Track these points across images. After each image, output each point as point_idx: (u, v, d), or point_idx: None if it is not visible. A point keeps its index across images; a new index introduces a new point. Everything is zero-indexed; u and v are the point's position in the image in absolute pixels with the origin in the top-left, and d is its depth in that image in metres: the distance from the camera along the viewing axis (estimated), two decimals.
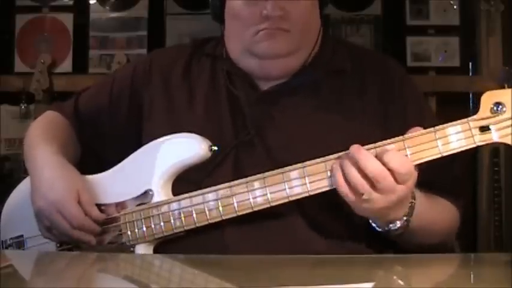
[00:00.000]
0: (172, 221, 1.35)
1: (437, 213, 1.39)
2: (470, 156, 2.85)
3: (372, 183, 1.19)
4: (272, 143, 1.39)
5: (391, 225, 1.28)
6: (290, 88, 1.44)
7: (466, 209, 1.47)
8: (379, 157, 1.19)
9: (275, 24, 1.38)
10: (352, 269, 1.22)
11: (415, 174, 1.22)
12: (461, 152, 1.24)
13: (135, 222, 1.38)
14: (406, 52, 3.07)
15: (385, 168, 1.18)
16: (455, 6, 3.08)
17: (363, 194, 1.19)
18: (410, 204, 1.27)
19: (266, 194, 1.28)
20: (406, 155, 1.21)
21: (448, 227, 1.44)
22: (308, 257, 1.26)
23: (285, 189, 1.27)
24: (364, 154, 1.19)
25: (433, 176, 1.38)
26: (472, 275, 1.21)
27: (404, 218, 1.27)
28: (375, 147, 1.21)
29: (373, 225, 1.30)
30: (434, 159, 1.25)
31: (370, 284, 1.08)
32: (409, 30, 3.09)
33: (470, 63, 3.07)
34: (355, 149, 1.20)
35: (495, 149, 2.89)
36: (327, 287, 1.05)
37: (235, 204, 1.30)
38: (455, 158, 1.38)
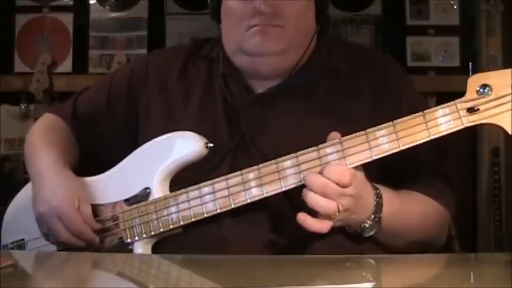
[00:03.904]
0: (169, 216, 1.35)
1: (415, 211, 1.39)
2: (465, 156, 2.86)
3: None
4: (267, 145, 1.39)
5: (362, 225, 1.31)
6: (285, 90, 1.44)
7: (464, 208, 1.47)
8: (321, 173, 1.23)
9: (267, 21, 1.38)
10: (352, 269, 1.22)
11: (357, 173, 1.26)
12: (451, 140, 1.26)
13: (132, 220, 1.39)
14: (406, 52, 3.06)
15: (330, 181, 1.22)
16: (455, 6, 3.07)
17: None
18: (375, 203, 1.30)
19: (261, 185, 1.29)
20: (342, 159, 1.26)
21: (431, 223, 1.43)
22: (307, 257, 1.26)
23: (279, 179, 1.28)
24: (309, 178, 1.23)
25: (419, 172, 1.40)
26: (472, 275, 1.21)
27: (373, 216, 1.30)
28: (318, 150, 1.26)
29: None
30: (424, 154, 1.30)
31: (370, 284, 1.08)
32: (409, 30, 3.09)
33: (470, 63, 3.07)
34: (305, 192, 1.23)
35: (495, 149, 2.89)
36: (327, 287, 1.05)
37: (231, 197, 1.31)
38: (444, 155, 1.39)
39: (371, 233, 1.32)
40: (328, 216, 1.23)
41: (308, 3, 1.44)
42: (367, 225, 1.31)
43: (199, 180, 1.35)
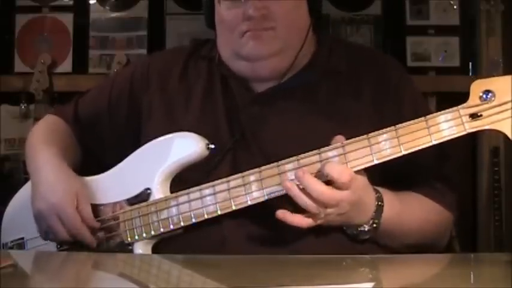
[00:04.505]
0: (169, 217, 1.35)
1: (416, 214, 1.39)
2: (466, 155, 2.86)
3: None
4: (267, 144, 1.39)
5: (360, 228, 1.31)
6: (285, 90, 1.44)
7: (464, 208, 1.47)
8: (321, 169, 1.24)
9: (258, 25, 1.38)
10: (352, 269, 1.22)
11: (359, 177, 1.26)
12: (453, 143, 1.26)
13: (133, 221, 1.39)
14: (406, 52, 3.06)
15: (328, 189, 1.23)
16: (455, 6, 3.07)
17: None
18: (376, 208, 1.30)
19: (262, 188, 1.29)
20: (344, 164, 1.25)
21: (432, 227, 1.43)
22: (307, 257, 1.26)
23: (280, 182, 1.28)
24: (308, 180, 1.23)
25: (420, 175, 1.40)
26: (472, 275, 1.21)
27: (371, 222, 1.31)
28: (319, 153, 1.26)
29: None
30: (425, 157, 1.30)
31: (370, 284, 1.08)
32: (409, 30, 3.09)
33: (470, 63, 3.07)
34: (300, 174, 1.24)
35: (495, 149, 2.89)
36: (327, 287, 1.05)
37: (232, 199, 1.31)
38: (445, 157, 1.39)
39: (367, 237, 1.33)
40: (312, 215, 1.25)
41: (297, 1, 1.43)
42: (364, 229, 1.32)
43: (200, 179, 1.35)
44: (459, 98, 1.27)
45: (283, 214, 1.25)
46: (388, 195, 1.33)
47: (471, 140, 2.92)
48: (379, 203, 1.31)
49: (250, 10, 1.37)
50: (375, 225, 1.31)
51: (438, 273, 1.22)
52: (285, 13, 1.40)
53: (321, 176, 1.25)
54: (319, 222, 1.26)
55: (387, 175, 1.34)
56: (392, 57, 1.59)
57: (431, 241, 1.44)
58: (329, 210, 1.25)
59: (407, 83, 1.50)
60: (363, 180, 1.28)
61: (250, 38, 1.40)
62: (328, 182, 1.24)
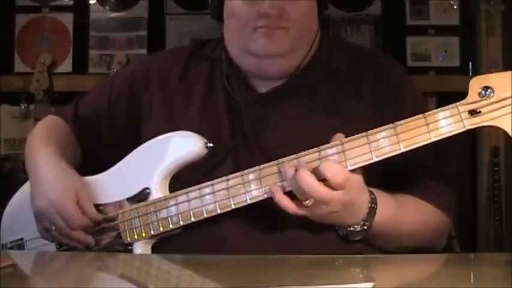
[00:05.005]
0: (169, 217, 1.35)
1: (413, 217, 1.38)
2: (465, 156, 2.86)
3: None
4: (269, 144, 1.39)
5: (350, 228, 1.31)
6: (287, 90, 1.44)
7: (464, 208, 1.47)
8: (318, 167, 1.24)
9: (273, 23, 1.38)
10: (352, 269, 1.22)
11: (354, 178, 1.26)
12: (452, 143, 1.26)
13: (132, 221, 1.38)
14: (406, 52, 3.06)
15: (322, 186, 1.23)
16: (455, 6, 3.07)
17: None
18: (369, 210, 1.30)
19: (261, 186, 1.29)
20: (343, 162, 1.25)
21: (430, 229, 1.43)
22: (307, 256, 1.26)
23: (280, 180, 1.28)
24: (303, 175, 1.23)
25: (419, 174, 1.39)
26: (472, 275, 1.21)
27: (362, 223, 1.30)
28: (319, 151, 1.26)
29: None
30: (424, 156, 1.30)
31: (370, 284, 1.07)
32: (409, 30, 3.09)
33: (470, 63, 3.07)
34: (300, 172, 1.24)
35: (495, 149, 2.89)
36: (327, 287, 1.05)
37: (231, 198, 1.31)
38: (444, 157, 1.39)
39: (357, 238, 1.33)
40: (304, 205, 1.25)
41: (311, 4, 1.44)
42: (354, 229, 1.31)
43: (201, 179, 1.35)
44: (459, 98, 1.26)
45: (275, 188, 1.26)
46: (384, 198, 1.32)
47: (471, 140, 2.93)
48: (372, 205, 1.30)
49: (267, 8, 1.37)
50: (365, 227, 1.31)
51: (438, 273, 1.22)
52: (299, 15, 1.40)
53: (317, 172, 1.24)
54: (305, 211, 1.26)
55: (386, 174, 1.34)
56: (391, 57, 1.59)
57: (429, 243, 1.43)
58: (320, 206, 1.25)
59: (407, 83, 1.50)
60: (358, 180, 1.27)
61: (262, 35, 1.40)
62: (324, 179, 1.24)
